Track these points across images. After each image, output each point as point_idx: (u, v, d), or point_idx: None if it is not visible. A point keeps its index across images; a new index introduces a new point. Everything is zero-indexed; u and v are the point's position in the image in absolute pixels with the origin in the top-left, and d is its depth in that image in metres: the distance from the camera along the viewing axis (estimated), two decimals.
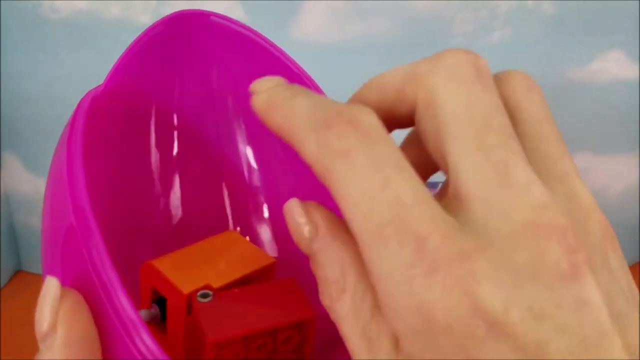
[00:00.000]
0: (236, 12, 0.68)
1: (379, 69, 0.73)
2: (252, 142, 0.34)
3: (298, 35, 0.69)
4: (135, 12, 0.68)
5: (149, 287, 0.26)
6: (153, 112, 0.35)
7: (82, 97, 0.61)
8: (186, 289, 0.25)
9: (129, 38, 0.71)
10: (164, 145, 0.36)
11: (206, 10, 0.37)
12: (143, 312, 0.25)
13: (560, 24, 0.68)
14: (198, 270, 0.26)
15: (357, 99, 0.27)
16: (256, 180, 0.35)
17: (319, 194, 0.23)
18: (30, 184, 0.76)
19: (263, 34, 0.71)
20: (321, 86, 0.75)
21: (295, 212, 0.22)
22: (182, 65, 0.36)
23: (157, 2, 0.67)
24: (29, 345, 0.67)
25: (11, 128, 0.74)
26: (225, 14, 0.71)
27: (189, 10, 0.35)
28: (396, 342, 0.18)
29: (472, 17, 0.68)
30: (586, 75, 0.70)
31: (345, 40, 0.69)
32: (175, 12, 0.36)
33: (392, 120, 0.26)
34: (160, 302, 0.26)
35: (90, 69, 0.73)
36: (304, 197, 0.23)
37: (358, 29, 0.69)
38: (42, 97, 0.71)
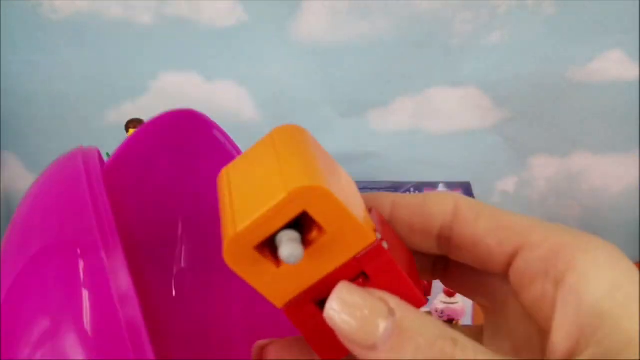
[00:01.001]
0: (236, 13, 0.68)
1: (379, 69, 0.74)
2: None
3: (298, 36, 0.69)
4: (135, 12, 0.68)
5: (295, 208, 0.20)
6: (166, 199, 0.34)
7: (81, 96, 0.61)
8: (372, 234, 0.20)
9: (129, 38, 0.72)
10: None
11: (210, 121, 0.37)
12: (287, 234, 0.20)
13: (560, 24, 0.68)
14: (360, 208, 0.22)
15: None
16: None
17: None
18: (30, 184, 0.75)
19: (263, 34, 0.72)
20: (321, 86, 0.76)
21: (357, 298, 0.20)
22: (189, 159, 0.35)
23: (158, 2, 0.67)
24: None
25: (11, 127, 0.74)
26: (225, 14, 0.71)
27: (193, 114, 0.34)
28: None
29: (472, 17, 0.68)
30: (586, 75, 0.70)
31: (345, 40, 0.69)
32: (181, 112, 0.36)
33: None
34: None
35: (90, 69, 0.74)
36: None
37: (358, 30, 0.69)
38: (42, 97, 0.71)
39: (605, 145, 0.72)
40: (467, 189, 0.64)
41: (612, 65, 0.69)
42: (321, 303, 0.21)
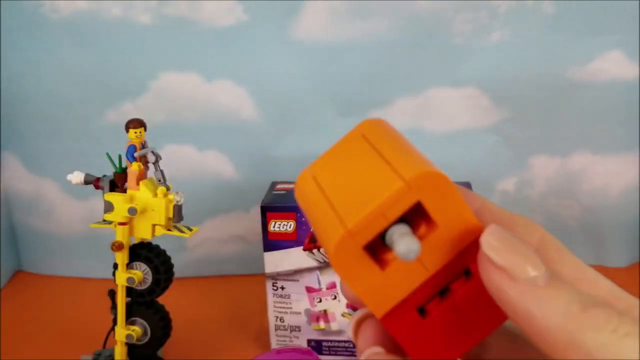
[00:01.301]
0: (236, 13, 0.68)
1: (379, 68, 0.74)
2: None
3: (298, 35, 0.69)
4: (135, 12, 0.68)
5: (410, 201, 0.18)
6: None
7: (81, 96, 0.61)
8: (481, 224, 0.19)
9: (129, 38, 0.72)
10: None
11: None
12: (399, 228, 0.18)
13: (560, 23, 0.67)
14: None
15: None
16: None
17: None
18: (30, 184, 0.76)
19: (263, 33, 0.71)
20: (320, 86, 0.75)
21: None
22: None
23: (157, 2, 0.67)
24: (29, 345, 0.67)
25: (11, 128, 0.74)
26: (225, 14, 0.71)
27: None
28: None
29: (472, 17, 0.68)
30: (586, 75, 0.69)
31: (345, 40, 0.69)
32: None
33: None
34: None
35: (89, 69, 0.74)
36: None
37: (357, 29, 0.69)
38: (41, 97, 0.71)
39: (605, 145, 0.72)
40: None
41: (612, 65, 0.69)
42: (421, 310, 0.20)
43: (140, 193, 0.52)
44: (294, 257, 0.59)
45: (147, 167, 0.54)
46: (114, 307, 0.56)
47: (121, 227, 0.53)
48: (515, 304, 0.19)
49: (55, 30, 0.68)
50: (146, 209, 0.52)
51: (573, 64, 0.69)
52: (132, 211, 0.52)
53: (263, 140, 0.72)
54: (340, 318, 0.61)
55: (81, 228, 0.76)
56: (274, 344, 0.63)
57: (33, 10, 0.68)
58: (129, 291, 0.56)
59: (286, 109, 0.72)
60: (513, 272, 0.19)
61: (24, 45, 0.69)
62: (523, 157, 0.74)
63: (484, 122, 0.72)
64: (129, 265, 0.55)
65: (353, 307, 0.59)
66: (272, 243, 0.59)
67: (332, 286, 0.59)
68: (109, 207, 0.53)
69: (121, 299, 0.55)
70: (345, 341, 0.62)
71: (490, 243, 0.19)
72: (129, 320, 0.56)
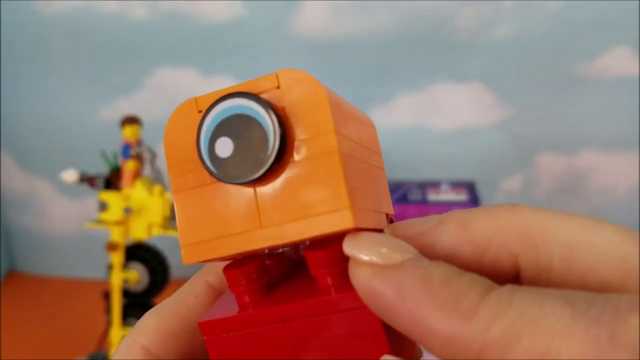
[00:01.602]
0: (234, 7, 0.67)
1: (381, 64, 0.73)
2: None
3: (297, 30, 0.68)
4: (130, 7, 0.67)
5: None
6: None
7: (74, 93, 0.60)
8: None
9: (125, 33, 0.71)
10: None
11: None
12: None
13: (566, 19, 0.67)
14: None
15: None
16: None
17: None
18: (24, 183, 0.75)
19: (262, 28, 0.70)
20: (321, 81, 0.74)
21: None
22: None
23: None
24: (22, 346, 0.66)
25: (3, 125, 0.72)
26: (222, 8, 0.70)
27: None
28: None
29: (476, 12, 0.67)
30: (592, 71, 0.69)
31: (346, 35, 0.68)
32: None
33: None
34: None
35: (84, 65, 0.73)
36: None
37: (359, 24, 0.68)
38: (34, 94, 0.70)
39: (612, 142, 0.72)
40: (471, 188, 0.63)
41: (618, 61, 0.68)
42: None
43: (136, 192, 0.52)
44: None
45: (143, 165, 0.53)
46: (108, 309, 0.55)
47: (116, 226, 0.52)
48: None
49: (50, 25, 0.67)
50: (142, 208, 0.52)
51: (579, 60, 0.68)
52: (128, 210, 0.51)
53: None
54: None
55: (75, 228, 0.75)
56: None
57: (27, 4, 0.66)
58: (125, 292, 0.55)
59: None
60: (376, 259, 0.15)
61: (17, 41, 0.68)
62: (529, 155, 0.73)
63: (488, 118, 0.71)
64: (124, 266, 0.54)
65: None
66: None
67: None
68: (103, 206, 0.52)
69: (117, 300, 0.54)
70: None
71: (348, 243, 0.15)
72: (125, 322, 0.55)
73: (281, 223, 0.15)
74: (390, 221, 0.18)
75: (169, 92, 0.70)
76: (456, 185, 0.63)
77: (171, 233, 0.52)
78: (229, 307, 0.16)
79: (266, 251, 0.16)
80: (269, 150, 0.15)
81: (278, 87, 0.15)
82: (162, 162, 0.53)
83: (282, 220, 0.15)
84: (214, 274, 0.19)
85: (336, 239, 0.15)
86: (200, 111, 0.16)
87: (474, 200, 0.60)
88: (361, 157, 0.16)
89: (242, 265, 0.16)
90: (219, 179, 0.15)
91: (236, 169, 0.15)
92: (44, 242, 0.77)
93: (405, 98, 0.70)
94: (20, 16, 0.67)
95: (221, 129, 0.15)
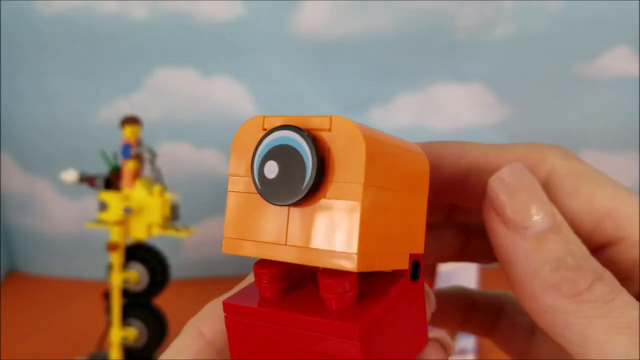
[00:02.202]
0: (234, 7, 0.66)
1: (381, 64, 0.73)
2: None
3: (297, 30, 0.68)
4: (131, 6, 0.66)
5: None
6: None
7: (74, 93, 0.59)
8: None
9: (125, 33, 0.70)
10: None
11: None
12: None
13: (566, 19, 0.67)
14: None
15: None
16: None
17: None
18: (24, 183, 0.75)
19: (262, 28, 0.70)
20: (322, 82, 0.75)
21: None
22: None
23: None
24: (22, 346, 0.66)
25: (3, 125, 0.72)
26: (223, 8, 0.70)
27: None
28: None
29: (476, 12, 0.67)
30: (592, 71, 0.69)
31: (346, 35, 0.68)
32: None
33: None
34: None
35: (83, 65, 0.72)
36: None
37: (359, 24, 0.68)
38: (34, 94, 0.70)
39: (612, 142, 0.72)
40: None
41: (618, 61, 0.68)
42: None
43: (136, 192, 0.52)
44: None
45: (142, 165, 0.53)
46: (108, 309, 0.55)
47: (116, 226, 0.52)
48: (503, 248, 0.19)
49: (49, 25, 0.67)
50: (142, 208, 0.51)
51: (579, 60, 0.68)
52: (128, 210, 0.51)
53: None
54: None
55: (75, 228, 0.75)
56: None
57: (27, 4, 0.66)
58: (125, 292, 0.54)
59: (285, 105, 0.71)
60: (516, 218, 0.19)
61: (17, 41, 0.68)
62: None
63: (488, 118, 0.71)
64: (124, 266, 0.54)
65: None
66: None
67: None
68: (103, 206, 0.52)
69: (117, 300, 0.54)
70: None
71: (498, 181, 0.19)
72: (125, 322, 0.55)
73: (301, 246, 0.17)
74: (416, 260, 0.20)
75: (169, 92, 0.70)
76: None
77: (171, 233, 0.52)
78: (252, 296, 0.19)
79: None
80: (304, 185, 0.17)
81: (329, 130, 0.17)
82: (161, 162, 0.53)
83: (302, 244, 0.17)
84: None
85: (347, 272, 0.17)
86: (264, 129, 0.18)
87: None
88: (394, 203, 0.18)
89: (268, 267, 0.19)
90: (261, 195, 0.17)
91: (276, 191, 0.17)
92: (44, 242, 0.77)
93: (405, 98, 0.70)
94: (20, 16, 0.67)
95: (273, 153, 0.17)
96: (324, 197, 0.17)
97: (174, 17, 0.67)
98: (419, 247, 0.20)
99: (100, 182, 0.53)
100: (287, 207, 0.17)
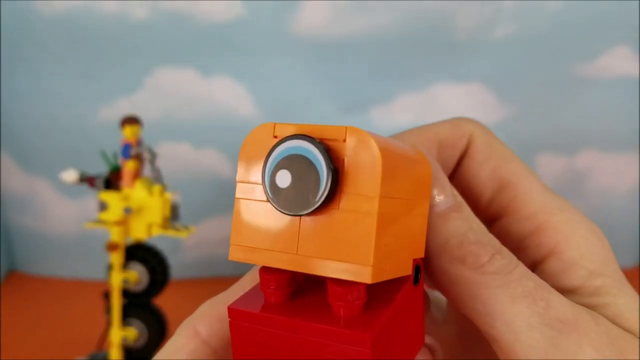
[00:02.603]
0: (234, 7, 0.66)
1: (381, 64, 0.73)
2: None
3: (297, 30, 0.68)
4: (131, 7, 0.66)
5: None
6: None
7: (74, 93, 0.59)
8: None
9: (125, 33, 0.70)
10: None
11: None
12: None
13: (566, 19, 0.66)
14: None
15: None
16: None
17: None
18: (24, 183, 0.75)
19: (262, 28, 0.70)
20: (322, 82, 0.74)
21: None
22: None
23: None
24: (22, 346, 0.66)
25: (3, 125, 0.72)
26: (223, 8, 0.70)
27: None
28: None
29: (476, 12, 0.67)
30: (592, 71, 0.69)
31: (346, 35, 0.68)
32: None
33: None
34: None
35: (83, 65, 0.72)
36: None
37: (359, 24, 0.68)
38: (34, 94, 0.70)
39: (612, 143, 0.72)
40: None
41: (618, 61, 0.68)
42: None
43: (136, 192, 0.52)
44: None
45: (142, 165, 0.53)
46: (108, 309, 0.55)
47: (116, 226, 0.52)
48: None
49: (49, 26, 0.67)
50: (142, 208, 0.51)
51: (579, 60, 0.68)
52: (128, 210, 0.51)
53: None
54: None
55: (75, 228, 0.75)
56: None
57: (27, 4, 0.66)
58: (125, 292, 0.54)
59: (286, 106, 0.71)
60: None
61: (17, 41, 0.68)
62: (529, 155, 0.72)
63: (488, 118, 0.71)
64: (124, 266, 0.54)
65: None
66: None
67: None
68: (103, 206, 0.52)
69: (117, 300, 0.54)
70: None
71: None
72: (125, 322, 0.55)
73: (313, 256, 0.17)
74: (418, 265, 0.20)
75: (169, 92, 0.70)
76: None
77: (171, 233, 0.52)
78: (257, 301, 0.19)
79: None
80: (318, 197, 0.17)
81: (344, 141, 0.17)
82: (161, 162, 0.53)
83: (314, 254, 0.17)
84: None
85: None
86: (275, 137, 0.18)
87: None
88: (402, 212, 0.18)
89: (275, 272, 0.18)
90: (272, 204, 0.17)
91: (288, 201, 0.17)
92: (44, 242, 0.77)
93: (405, 98, 0.70)
94: (20, 16, 0.67)
95: (286, 162, 0.17)
96: (337, 208, 0.17)
97: (174, 17, 0.67)
98: (420, 252, 0.20)
99: (100, 182, 0.53)
100: (298, 217, 0.17)
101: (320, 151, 0.17)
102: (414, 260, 0.20)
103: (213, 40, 0.68)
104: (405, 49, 0.68)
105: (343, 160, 0.17)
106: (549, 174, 0.73)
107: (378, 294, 0.18)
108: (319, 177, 0.17)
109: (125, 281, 0.53)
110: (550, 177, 0.73)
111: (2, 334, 0.66)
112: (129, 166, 0.51)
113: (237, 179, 0.19)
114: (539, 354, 0.19)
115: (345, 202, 0.17)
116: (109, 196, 0.52)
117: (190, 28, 0.67)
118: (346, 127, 0.17)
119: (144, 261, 0.54)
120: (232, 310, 0.18)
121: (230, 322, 0.19)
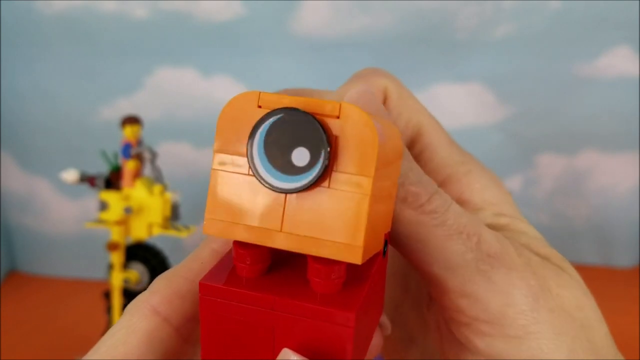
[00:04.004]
0: (234, 7, 0.66)
1: (381, 64, 0.72)
2: None
3: (297, 30, 0.68)
4: (131, 6, 0.66)
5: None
6: None
7: (75, 93, 0.59)
8: None
9: (124, 33, 0.70)
10: None
11: None
12: None
13: (566, 18, 0.66)
14: None
15: None
16: None
17: None
18: (24, 183, 0.74)
19: (262, 28, 0.70)
20: (322, 82, 0.74)
21: None
22: None
23: None
24: (22, 346, 0.65)
25: (3, 125, 0.72)
26: (223, 8, 0.70)
27: None
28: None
29: (476, 11, 0.67)
30: (593, 71, 0.68)
31: (346, 35, 0.68)
32: None
33: None
34: None
35: (84, 65, 0.72)
36: None
37: (359, 24, 0.68)
38: (34, 93, 0.70)
39: (612, 142, 0.72)
40: None
41: (619, 61, 0.68)
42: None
43: (136, 191, 0.52)
44: None
45: (143, 165, 0.53)
46: (108, 309, 0.55)
47: (117, 226, 0.52)
48: None
49: (49, 26, 0.67)
50: (142, 208, 0.51)
51: (579, 59, 0.68)
52: (128, 210, 0.51)
53: None
54: None
55: (76, 227, 0.75)
56: None
57: (27, 4, 0.66)
58: (125, 292, 0.54)
59: None
60: None
61: (17, 41, 0.68)
62: (529, 155, 0.72)
63: (488, 119, 0.71)
64: (125, 266, 0.54)
65: None
66: None
67: None
68: (104, 206, 0.52)
69: (117, 300, 0.54)
70: None
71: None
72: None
73: (298, 234, 0.16)
74: (387, 238, 0.20)
75: (169, 92, 0.70)
76: None
77: (171, 233, 0.52)
78: (229, 276, 0.18)
79: None
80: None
81: (337, 117, 0.16)
82: (161, 161, 0.53)
83: (300, 232, 0.16)
84: (219, 241, 0.21)
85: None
86: (260, 106, 0.17)
87: None
88: (383, 191, 0.18)
89: (250, 247, 0.17)
90: (258, 180, 0.16)
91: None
92: (44, 242, 0.77)
93: None
94: (21, 16, 0.67)
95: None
96: (327, 186, 0.16)
97: (174, 16, 0.67)
98: (389, 226, 0.20)
99: (100, 182, 0.53)
100: (284, 193, 0.16)
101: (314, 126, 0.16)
102: (385, 234, 0.19)
103: (213, 39, 0.68)
104: (405, 49, 0.68)
105: (336, 137, 0.16)
106: (549, 174, 0.73)
107: (350, 268, 0.18)
108: None
109: (125, 281, 0.53)
110: (550, 177, 0.73)
111: (2, 334, 0.66)
112: (129, 166, 0.51)
113: (215, 148, 0.17)
114: (477, 290, 0.20)
115: (335, 180, 0.16)
116: (109, 196, 0.52)
117: (190, 27, 0.67)
118: (340, 103, 0.16)
119: (144, 261, 0.54)
120: (203, 286, 0.17)
121: (200, 298, 0.18)
